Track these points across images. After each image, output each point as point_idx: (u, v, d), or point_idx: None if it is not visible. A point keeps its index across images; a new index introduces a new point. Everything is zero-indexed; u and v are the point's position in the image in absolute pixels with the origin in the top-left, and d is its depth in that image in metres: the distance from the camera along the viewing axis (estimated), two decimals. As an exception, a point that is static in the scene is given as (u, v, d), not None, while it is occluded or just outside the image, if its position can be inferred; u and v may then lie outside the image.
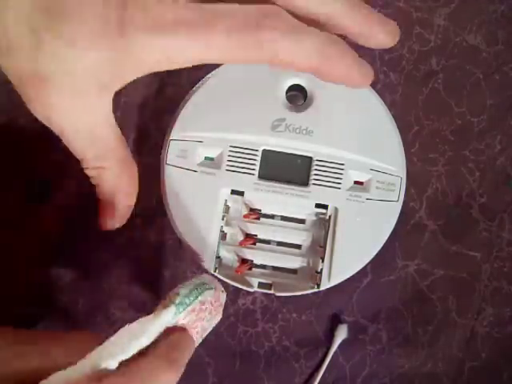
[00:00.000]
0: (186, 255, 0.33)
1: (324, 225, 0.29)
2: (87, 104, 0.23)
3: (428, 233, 0.34)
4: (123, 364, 0.22)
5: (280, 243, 0.30)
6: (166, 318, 0.23)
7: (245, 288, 0.29)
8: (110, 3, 0.20)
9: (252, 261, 0.30)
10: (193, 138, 0.29)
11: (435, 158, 0.34)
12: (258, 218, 0.30)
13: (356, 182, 0.29)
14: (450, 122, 0.34)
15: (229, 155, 0.29)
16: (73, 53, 0.21)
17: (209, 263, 0.29)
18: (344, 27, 0.23)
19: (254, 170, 0.29)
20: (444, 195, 0.34)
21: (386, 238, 0.29)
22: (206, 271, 0.29)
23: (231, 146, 0.29)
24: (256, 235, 0.30)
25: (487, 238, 0.34)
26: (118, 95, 0.23)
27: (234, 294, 0.33)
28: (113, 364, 0.21)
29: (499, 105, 0.34)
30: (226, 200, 0.29)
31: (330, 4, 0.23)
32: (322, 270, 0.29)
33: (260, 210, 0.30)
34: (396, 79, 0.35)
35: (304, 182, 0.29)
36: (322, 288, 0.29)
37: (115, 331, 0.22)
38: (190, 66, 0.22)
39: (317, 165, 0.29)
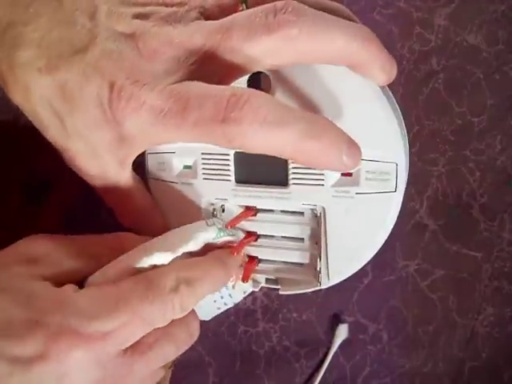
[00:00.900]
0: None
1: (317, 221, 0.27)
2: (112, 175, 0.26)
3: (428, 233, 0.34)
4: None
5: (283, 237, 0.29)
6: (210, 234, 0.25)
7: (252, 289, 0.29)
8: (103, 93, 0.22)
9: (257, 257, 0.29)
10: (166, 150, 0.28)
11: (435, 157, 0.34)
12: (255, 214, 0.29)
13: (344, 174, 0.26)
14: (450, 121, 0.34)
15: (202, 163, 0.28)
16: (91, 134, 0.24)
17: None
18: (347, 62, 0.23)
19: (229, 175, 0.27)
20: (444, 195, 0.34)
21: (387, 234, 0.27)
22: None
23: (203, 154, 0.28)
24: (256, 232, 0.29)
25: (488, 237, 0.34)
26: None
27: (234, 294, 0.33)
28: (162, 260, 0.24)
29: (499, 105, 0.34)
30: (212, 204, 0.28)
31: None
32: (320, 268, 0.28)
33: (255, 206, 0.28)
34: (396, 79, 0.34)
35: (283, 183, 0.27)
36: (324, 286, 0.28)
37: None
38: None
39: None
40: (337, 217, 0.26)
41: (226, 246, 0.27)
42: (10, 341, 0.21)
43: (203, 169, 0.28)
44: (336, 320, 0.33)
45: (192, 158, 0.28)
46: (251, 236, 0.29)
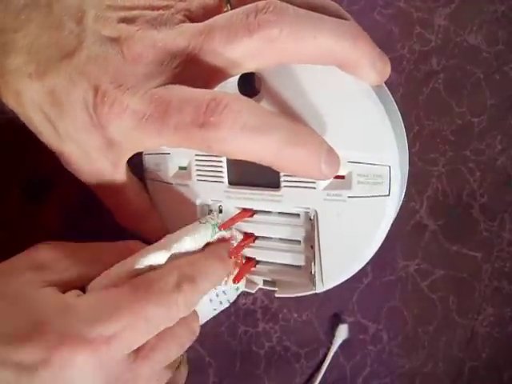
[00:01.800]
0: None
1: (311, 224, 0.26)
2: (107, 176, 0.26)
3: (428, 233, 0.34)
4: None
5: (280, 239, 0.28)
6: (206, 232, 0.26)
7: (246, 289, 0.29)
8: (88, 98, 0.23)
9: (254, 258, 0.29)
10: (161, 151, 0.28)
11: (436, 157, 0.34)
12: (252, 216, 0.28)
13: (336, 177, 0.24)
14: (450, 121, 0.34)
15: (196, 165, 0.28)
16: (82, 137, 0.24)
17: None
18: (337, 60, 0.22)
19: (222, 177, 0.27)
20: (444, 195, 0.34)
21: (382, 238, 0.26)
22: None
23: (196, 155, 0.28)
24: (253, 233, 0.29)
25: (488, 238, 0.34)
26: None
27: (234, 294, 0.33)
28: (158, 259, 0.24)
29: (500, 105, 0.34)
30: (209, 206, 0.28)
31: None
32: (315, 272, 0.27)
33: (252, 209, 0.28)
34: (396, 79, 0.35)
35: (275, 185, 0.26)
36: (319, 291, 0.27)
37: None
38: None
39: None
40: (329, 220, 0.25)
41: (222, 241, 0.27)
42: (15, 347, 0.21)
43: (197, 170, 0.28)
44: (336, 320, 0.33)
45: (186, 159, 0.28)
46: (249, 238, 0.29)
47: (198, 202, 0.28)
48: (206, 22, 0.22)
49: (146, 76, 0.22)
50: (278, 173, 0.26)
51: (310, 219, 0.26)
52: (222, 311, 0.28)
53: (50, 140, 0.25)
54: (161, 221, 0.29)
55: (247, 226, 0.28)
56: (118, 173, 0.26)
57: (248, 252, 0.29)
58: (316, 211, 0.26)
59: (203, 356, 0.33)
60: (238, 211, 0.28)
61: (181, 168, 0.29)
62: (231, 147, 0.21)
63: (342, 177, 0.24)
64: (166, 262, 0.24)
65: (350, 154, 0.24)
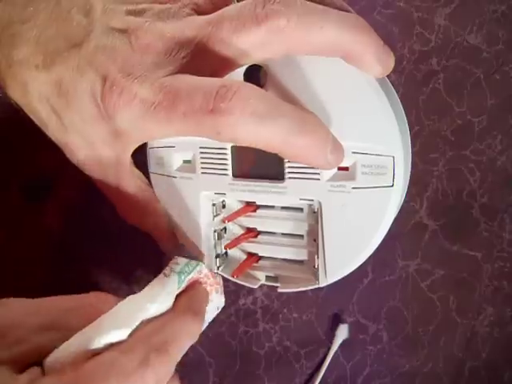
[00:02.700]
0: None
1: (315, 217, 0.26)
2: (111, 168, 0.26)
3: (428, 233, 0.34)
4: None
5: (283, 234, 0.28)
6: (172, 286, 0.23)
7: (248, 285, 0.29)
8: (96, 88, 0.23)
9: (257, 254, 0.29)
10: (166, 144, 0.28)
11: (436, 157, 0.34)
12: (255, 210, 0.28)
13: (340, 169, 0.25)
14: (450, 121, 0.34)
15: (201, 157, 0.28)
16: (88, 129, 0.24)
17: (210, 263, 0.28)
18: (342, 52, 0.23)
19: (226, 169, 0.27)
20: (444, 195, 0.34)
21: (386, 230, 0.25)
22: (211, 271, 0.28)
23: (201, 148, 0.28)
24: (256, 228, 0.29)
25: (488, 238, 0.34)
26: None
27: (234, 294, 0.33)
28: (118, 337, 0.21)
29: (500, 105, 0.34)
30: (212, 200, 0.28)
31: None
32: (318, 266, 0.27)
33: (255, 202, 0.28)
34: (396, 79, 0.35)
35: (279, 177, 0.26)
36: (322, 285, 0.27)
37: None
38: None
39: None
40: (333, 212, 0.25)
41: (192, 286, 0.25)
42: None
43: (201, 163, 0.28)
44: (336, 320, 0.33)
45: (190, 152, 0.28)
46: (250, 232, 0.29)
47: (201, 195, 0.28)
48: (215, 13, 0.23)
49: (154, 65, 0.22)
50: (282, 165, 0.26)
51: (314, 212, 0.26)
52: (221, 311, 0.28)
53: (55, 132, 0.25)
54: (164, 215, 0.29)
55: (250, 221, 0.29)
56: (123, 165, 0.26)
57: (250, 247, 0.29)
58: (320, 203, 0.25)
59: (203, 356, 0.33)
60: (241, 206, 0.28)
61: (185, 161, 0.29)
62: (240, 133, 0.21)
63: (346, 168, 0.24)
64: (129, 335, 0.21)
65: (354, 145, 0.24)
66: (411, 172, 0.29)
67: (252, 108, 0.21)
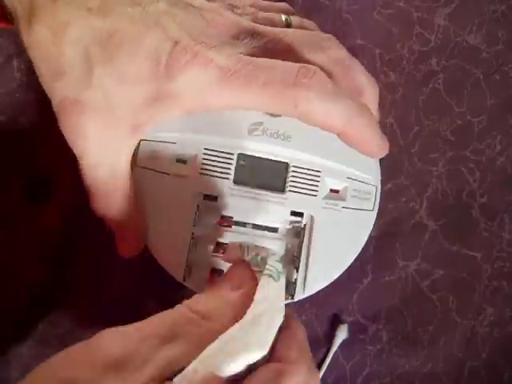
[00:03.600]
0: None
1: (299, 233, 0.28)
2: (117, 140, 0.24)
3: (428, 233, 0.34)
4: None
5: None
6: (283, 285, 0.24)
7: None
8: (164, 47, 0.22)
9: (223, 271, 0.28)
10: (165, 139, 0.27)
11: (435, 158, 0.34)
12: (230, 226, 0.28)
13: (332, 191, 0.28)
14: (450, 122, 0.34)
15: (203, 158, 0.27)
16: (121, 89, 0.23)
17: (177, 271, 0.27)
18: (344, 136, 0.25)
19: (228, 174, 0.28)
20: (444, 195, 0.34)
21: (361, 247, 0.28)
22: (174, 279, 0.27)
23: (205, 149, 0.27)
24: (227, 244, 0.28)
25: (487, 238, 0.34)
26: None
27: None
28: (237, 367, 0.19)
29: (499, 105, 0.34)
30: (198, 205, 0.28)
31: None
32: (296, 280, 0.28)
33: (232, 217, 0.28)
34: (396, 79, 0.35)
35: (280, 189, 0.28)
36: (296, 299, 0.27)
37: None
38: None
39: (293, 171, 0.28)
40: (323, 227, 0.28)
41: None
42: None
43: (203, 163, 0.28)
44: (336, 320, 0.33)
45: (192, 151, 0.28)
46: (222, 247, 0.28)
47: (196, 195, 0.28)
48: (286, 38, 0.25)
49: (229, 43, 0.24)
50: (284, 177, 0.28)
51: (300, 228, 0.28)
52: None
53: (72, 83, 0.23)
54: (140, 215, 0.27)
55: (226, 236, 0.28)
56: (132, 137, 0.25)
57: (221, 263, 0.28)
58: (313, 217, 0.28)
59: (203, 356, 0.33)
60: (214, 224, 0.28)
61: (181, 160, 0.28)
62: (315, 108, 0.23)
63: (338, 191, 0.28)
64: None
65: (349, 171, 0.28)
66: (411, 172, 0.30)
67: (328, 87, 0.23)
